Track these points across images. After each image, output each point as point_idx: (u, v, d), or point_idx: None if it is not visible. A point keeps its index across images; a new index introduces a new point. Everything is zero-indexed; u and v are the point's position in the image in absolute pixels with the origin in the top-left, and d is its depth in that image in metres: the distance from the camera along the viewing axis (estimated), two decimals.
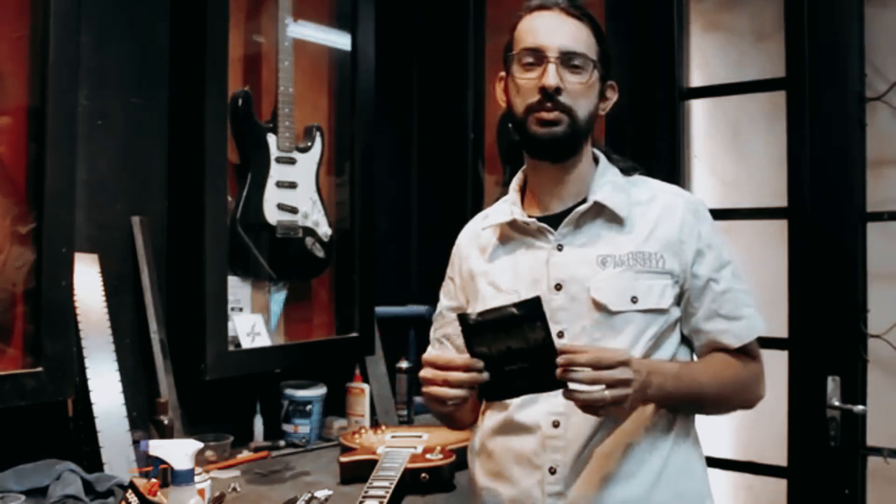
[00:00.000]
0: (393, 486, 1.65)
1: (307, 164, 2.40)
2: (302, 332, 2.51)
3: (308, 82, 2.53)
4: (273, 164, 2.31)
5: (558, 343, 1.23)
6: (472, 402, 1.45)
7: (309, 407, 2.32)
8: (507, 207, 1.47)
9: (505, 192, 1.52)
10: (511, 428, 1.39)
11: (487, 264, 1.47)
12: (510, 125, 1.45)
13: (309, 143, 2.42)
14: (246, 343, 2.25)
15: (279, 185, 2.32)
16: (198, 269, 2.12)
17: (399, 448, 1.94)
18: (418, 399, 2.50)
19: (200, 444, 1.40)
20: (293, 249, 2.37)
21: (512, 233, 1.46)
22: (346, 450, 2.01)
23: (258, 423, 2.29)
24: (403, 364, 2.54)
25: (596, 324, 1.35)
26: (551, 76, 1.34)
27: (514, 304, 1.21)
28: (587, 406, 1.22)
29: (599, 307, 1.35)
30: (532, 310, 1.20)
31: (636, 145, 2.38)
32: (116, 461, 1.84)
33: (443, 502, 1.81)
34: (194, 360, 2.11)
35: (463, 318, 1.23)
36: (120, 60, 2.11)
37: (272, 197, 2.31)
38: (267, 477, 1.98)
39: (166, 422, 1.89)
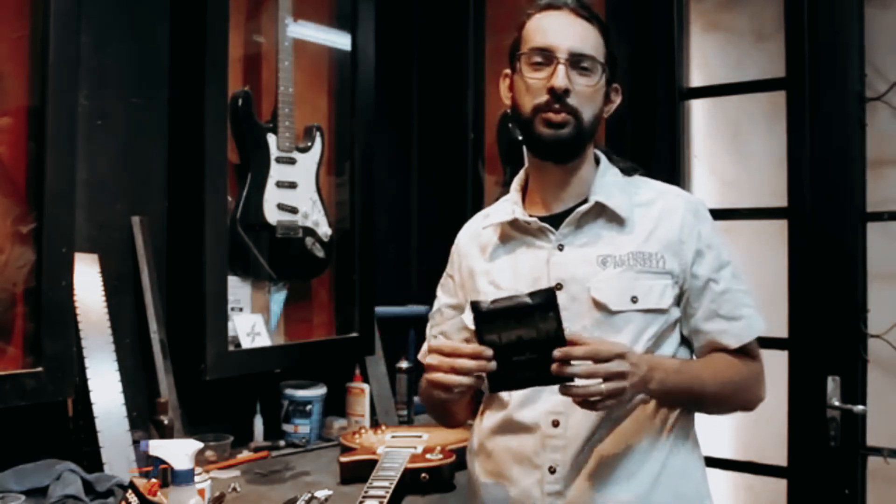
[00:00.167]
0: (393, 486, 1.65)
1: (307, 164, 2.40)
2: (302, 332, 2.50)
3: (308, 82, 2.53)
4: (273, 164, 2.31)
5: (568, 335, 1.22)
6: (468, 399, 1.45)
7: (309, 407, 2.32)
8: (508, 207, 1.47)
9: (505, 192, 1.52)
10: (510, 427, 1.39)
11: (488, 263, 1.47)
12: (513, 123, 1.44)
13: (309, 143, 2.42)
14: (246, 343, 2.25)
15: (279, 185, 2.32)
16: (198, 269, 2.12)
17: (399, 448, 1.94)
18: (418, 399, 2.50)
19: (200, 444, 1.40)
20: (293, 249, 2.37)
21: (513, 232, 1.46)
22: (346, 450, 2.01)
23: (258, 423, 2.29)
24: (403, 364, 2.54)
25: (596, 323, 1.35)
26: (560, 77, 1.34)
27: (529, 294, 1.21)
28: (584, 401, 1.21)
29: (600, 307, 1.35)
30: (546, 300, 1.20)
31: (636, 145, 2.38)
32: (116, 461, 1.84)
33: (443, 502, 1.81)
34: (194, 360, 2.11)
35: (475, 304, 1.22)
36: (120, 60, 2.11)
37: (272, 197, 2.31)
38: (267, 477, 1.98)
39: (166, 422, 1.89)
